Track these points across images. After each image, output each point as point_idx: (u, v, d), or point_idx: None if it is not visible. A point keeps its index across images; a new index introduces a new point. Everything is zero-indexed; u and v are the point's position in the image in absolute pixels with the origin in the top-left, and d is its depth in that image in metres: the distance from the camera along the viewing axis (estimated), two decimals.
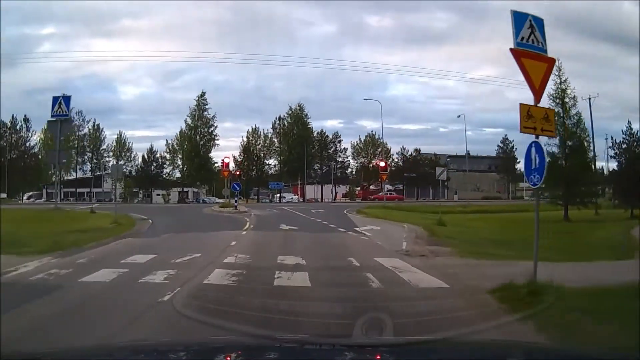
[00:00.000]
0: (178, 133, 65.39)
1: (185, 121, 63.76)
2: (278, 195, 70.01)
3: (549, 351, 2.84)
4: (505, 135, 72.25)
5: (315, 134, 71.65)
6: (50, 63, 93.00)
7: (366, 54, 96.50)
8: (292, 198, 68.55)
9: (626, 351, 3.54)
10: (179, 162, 64.51)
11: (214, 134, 64.87)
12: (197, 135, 63.32)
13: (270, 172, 71.67)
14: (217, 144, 64.87)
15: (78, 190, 69.04)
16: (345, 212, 33.47)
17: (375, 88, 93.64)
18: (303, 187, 71.73)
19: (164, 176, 65.51)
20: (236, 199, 37.74)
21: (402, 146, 77.22)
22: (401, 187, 78.40)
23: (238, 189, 30.60)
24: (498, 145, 73.64)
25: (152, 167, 64.65)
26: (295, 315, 6.13)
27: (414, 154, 78.20)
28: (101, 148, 69.53)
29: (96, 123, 69.30)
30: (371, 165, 75.11)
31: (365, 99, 48.32)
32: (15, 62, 72.78)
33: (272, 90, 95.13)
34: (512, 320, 5.62)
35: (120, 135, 69.77)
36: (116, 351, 2.65)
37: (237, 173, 65.85)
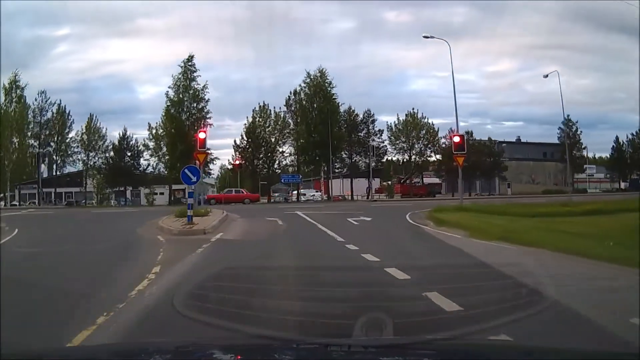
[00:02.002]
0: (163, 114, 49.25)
1: (167, 94, 47.57)
2: (295, 192, 53.63)
3: (549, 351, 2.73)
4: (568, 115, 58.96)
5: (342, 113, 54.83)
6: (66, 64, 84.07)
7: (384, 50, 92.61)
8: (313, 195, 54.06)
9: (626, 351, 3.43)
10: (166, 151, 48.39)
11: (205, 110, 48.56)
12: (183, 112, 47.10)
13: (284, 163, 55.23)
14: (210, 125, 48.67)
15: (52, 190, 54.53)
16: (411, 219, 19.37)
17: (394, 83, 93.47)
18: (327, 181, 55.01)
19: (142, 169, 49.58)
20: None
21: (451, 128, 60.98)
22: (439, 180, 64.60)
23: (194, 179, 13.98)
24: (560, 128, 60.35)
25: (126, 158, 48.99)
26: None
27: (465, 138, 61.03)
28: (68, 137, 54.14)
29: (62, 105, 53.93)
30: (414, 152, 58.49)
31: (425, 37, 31.60)
32: (31, 64, 73.75)
33: (290, 87, 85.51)
34: None
35: (91, 120, 54.29)
36: (116, 351, 2.65)
37: (237, 163, 49.70)
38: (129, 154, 48.26)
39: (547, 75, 43.64)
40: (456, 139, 31.08)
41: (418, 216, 20.16)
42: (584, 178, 65.33)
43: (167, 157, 47.47)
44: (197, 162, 25.86)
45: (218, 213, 21.06)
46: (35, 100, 53.42)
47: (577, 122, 60.89)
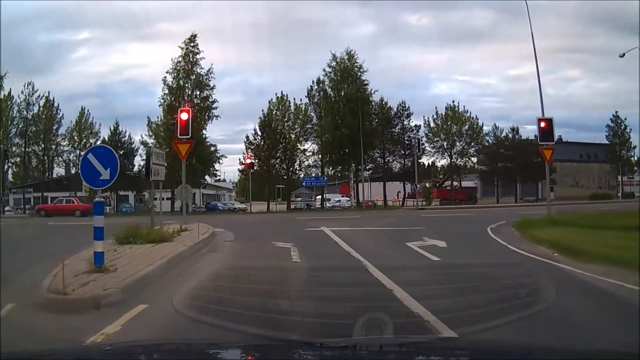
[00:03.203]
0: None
1: (164, 80, 39.50)
2: (319, 197, 45.17)
3: (549, 351, 2.60)
4: (616, 112, 54.87)
5: (373, 104, 46.07)
6: (86, 68, 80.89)
7: (405, 53, 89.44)
8: (339, 201, 47.97)
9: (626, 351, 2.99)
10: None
11: (211, 99, 40.35)
12: (185, 100, 39.00)
13: (305, 163, 46.64)
14: (216, 117, 40.50)
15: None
16: (511, 245, 12.10)
17: (415, 86, 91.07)
18: (357, 185, 46.34)
19: (138, 169, 41.62)
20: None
21: (495, 123, 53.33)
22: (474, 183, 58.62)
23: (106, 175, 5.06)
24: (607, 126, 55.41)
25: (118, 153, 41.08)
26: None
27: (509, 135, 53.63)
28: (56, 133, 46.72)
29: (50, 98, 46.57)
30: (454, 151, 49.70)
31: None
32: (50, 69, 71.70)
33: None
34: None
35: (82, 115, 46.78)
36: (116, 351, 2.53)
37: (248, 162, 41.40)
38: (121, 152, 40.15)
39: (623, 55, 34.24)
40: (542, 124, 22.20)
41: (512, 236, 13.48)
42: (627, 181, 59.56)
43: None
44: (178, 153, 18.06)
45: (200, 232, 12.70)
46: (22, 92, 46.32)
47: (625, 118, 54.19)
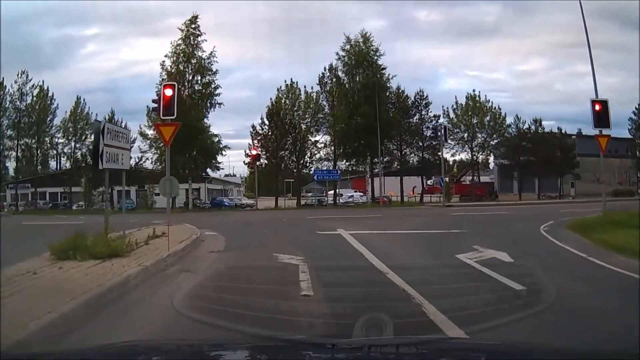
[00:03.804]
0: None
1: (163, 64, 36.03)
2: (332, 192, 41.64)
3: (549, 351, 2.53)
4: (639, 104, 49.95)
5: (390, 91, 42.26)
6: (95, 64, 78.05)
7: (415, 48, 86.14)
8: (351, 197, 44.18)
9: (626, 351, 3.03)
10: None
11: (213, 85, 36.79)
12: (185, 87, 35.54)
13: (317, 156, 42.97)
14: (219, 104, 36.92)
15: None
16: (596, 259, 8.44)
17: (427, 81, 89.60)
18: (372, 179, 42.63)
19: (135, 162, 38.26)
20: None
21: (517, 115, 49.54)
22: (490, 179, 55.90)
23: None
24: (630, 119, 51.60)
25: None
26: None
27: (533, 128, 49.36)
28: (50, 124, 43.65)
29: (44, 87, 43.46)
30: (475, 144, 46.46)
31: None
32: (59, 64, 71.58)
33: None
34: None
35: (78, 104, 43.62)
36: (116, 351, 2.45)
37: (254, 154, 37.90)
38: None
39: None
40: (596, 107, 18.39)
41: (580, 243, 10.60)
42: None
43: (160, 147, 35.94)
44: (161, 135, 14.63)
45: (176, 239, 9.29)
46: (15, 82, 43.22)
47: None
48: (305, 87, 42.21)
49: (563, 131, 50.72)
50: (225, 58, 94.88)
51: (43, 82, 43.39)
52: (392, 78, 39.93)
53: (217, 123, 56.00)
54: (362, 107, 36.97)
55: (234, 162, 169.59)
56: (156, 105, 15.15)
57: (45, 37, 65.34)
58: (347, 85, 39.89)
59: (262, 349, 2.43)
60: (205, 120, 36.24)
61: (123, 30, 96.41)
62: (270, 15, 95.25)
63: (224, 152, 37.55)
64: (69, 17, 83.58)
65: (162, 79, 34.95)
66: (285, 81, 42.72)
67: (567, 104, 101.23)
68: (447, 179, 49.64)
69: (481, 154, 49.35)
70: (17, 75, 42.92)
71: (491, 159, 51.71)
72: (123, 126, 41.55)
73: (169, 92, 15.19)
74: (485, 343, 2.93)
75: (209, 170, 39.57)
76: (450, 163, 58.13)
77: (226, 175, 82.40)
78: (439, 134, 37.25)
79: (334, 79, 40.75)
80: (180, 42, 35.89)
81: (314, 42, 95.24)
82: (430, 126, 44.00)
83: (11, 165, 45.32)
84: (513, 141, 49.49)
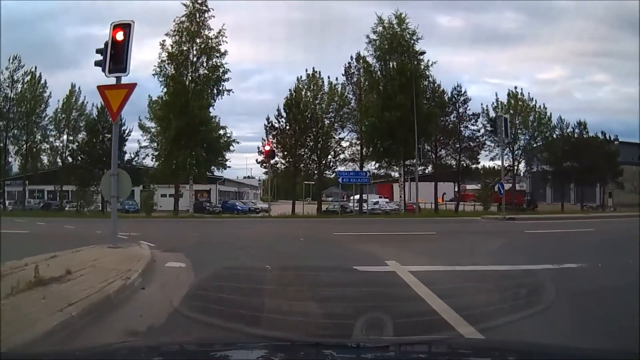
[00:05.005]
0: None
1: (163, 44, 30.49)
2: (357, 197, 36.02)
3: (549, 351, 2.53)
4: None
5: (426, 82, 36.33)
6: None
7: (435, 54, 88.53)
8: (376, 203, 39.95)
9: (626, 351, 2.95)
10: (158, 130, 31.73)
11: (222, 69, 31.16)
12: (189, 70, 30.10)
13: (341, 157, 37.32)
14: (228, 92, 31.34)
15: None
16: None
17: (449, 87, 64.45)
18: (405, 184, 36.76)
19: (131, 158, 33.07)
20: None
21: (560, 116, 43.68)
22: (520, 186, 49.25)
23: None
24: None
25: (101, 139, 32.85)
26: None
27: (577, 132, 43.75)
28: (41, 115, 38.81)
29: (36, 73, 38.69)
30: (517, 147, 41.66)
31: None
32: (79, 63, 74.16)
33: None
34: None
35: (73, 92, 38.71)
36: (116, 351, 2.43)
37: (267, 149, 32.20)
38: (109, 135, 31.57)
39: None
40: None
41: None
42: None
43: (158, 139, 30.56)
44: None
45: (101, 275, 4.37)
46: (7, 69, 38.54)
47: None
48: (329, 77, 36.61)
49: (607, 136, 44.72)
50: (243, 61, 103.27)
51: (35, 67, 38.71)
52: (432, 65, 33.87)
53: (238, 125, 51.66)
54: (398, 97, 31.00)
55: (251, 164, 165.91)
56: (101, 56, 9.55)
57: (64, 35, 67.62)
58: (379, 73, 34.02)
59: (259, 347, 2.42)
60: (211, 109, 30.77)
61: (143, 30, 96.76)
62: (290, 17, 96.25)
63: (232, 148, 31.84)
64: (87, 16, 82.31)
65: (162, 61, 29.62)
66: (307, 70, 37.18)
67: (587, 113, 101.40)
68: (480, 185, 44.06)
69: (522, 158, 43.76)
70: (9, 60, 38.40)
71: (522, 164, 46.12)
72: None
73: (120, 35, 9.68)
74: (483, 344, 3.05)
75: (213, 168, 33.89)
76: (487, 168, 52.65)
77: (245, 178, 77.24)
78: (498, 123, 30.66)
79: (364, 66, 34.94)
80: (184, 19, 30.52)
81: (335, 44, 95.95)
82: (469, 125, 38.19)
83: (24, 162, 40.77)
84: (557, 145, 43.58)
